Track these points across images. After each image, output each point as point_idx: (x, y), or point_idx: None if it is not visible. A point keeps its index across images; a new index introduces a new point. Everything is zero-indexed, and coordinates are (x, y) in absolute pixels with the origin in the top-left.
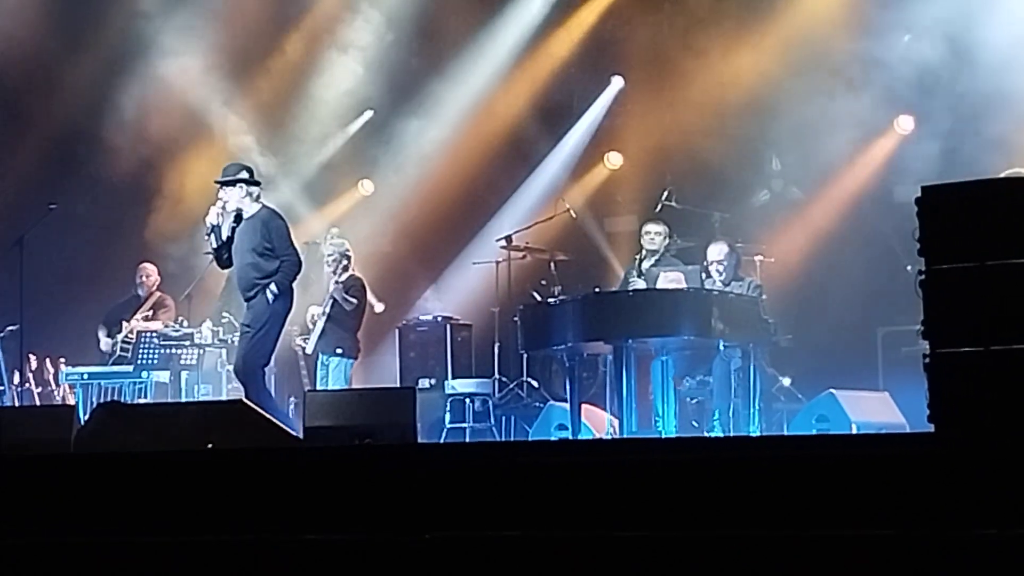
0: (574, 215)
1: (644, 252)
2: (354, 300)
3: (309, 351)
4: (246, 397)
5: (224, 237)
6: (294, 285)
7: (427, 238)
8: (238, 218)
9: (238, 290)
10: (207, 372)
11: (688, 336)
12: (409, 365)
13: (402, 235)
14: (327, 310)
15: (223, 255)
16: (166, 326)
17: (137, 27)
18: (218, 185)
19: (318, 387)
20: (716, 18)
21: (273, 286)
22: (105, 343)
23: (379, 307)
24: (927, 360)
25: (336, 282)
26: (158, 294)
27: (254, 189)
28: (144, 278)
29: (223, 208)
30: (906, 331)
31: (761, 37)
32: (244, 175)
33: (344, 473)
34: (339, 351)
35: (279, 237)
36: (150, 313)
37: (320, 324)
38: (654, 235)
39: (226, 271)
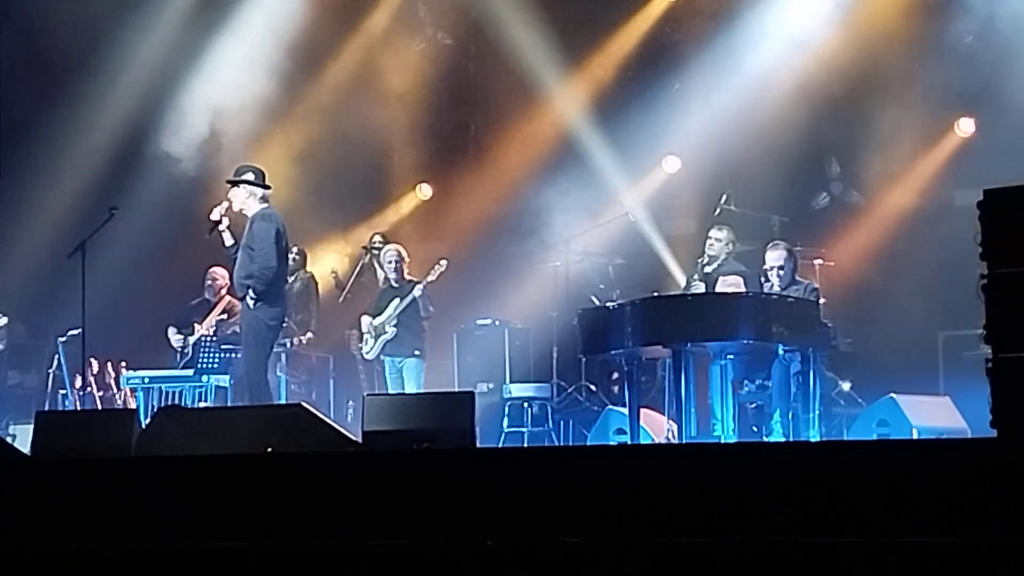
0: (632, 218)
1: (706, 257)
2: (432, 308)
3: (370, 356)
4: None
5: (233, 239)
6: (280, 292)
7: (485, 242)
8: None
9: None
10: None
11: (747, 340)
12: (467, 369)
13: (460, 239)
14: (399, 314)
15: (233, 255)
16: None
17: (193, 30)
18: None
19: (392, 389)
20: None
21: (251, 291)
22: (176, 340)
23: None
24: (989, 364)
25: (423, 286)
26: (228, 298)
27: (258, 190)
28: (212, 282)
29: (227, 208)
30: (968, 335)
31: (819, 40)
32: (249, 176)
33: (403, 477)
34: (416, 353)
35: (260, 238)
36: (224, 316)
37: (391, 329)
38: (714, 241)
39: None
